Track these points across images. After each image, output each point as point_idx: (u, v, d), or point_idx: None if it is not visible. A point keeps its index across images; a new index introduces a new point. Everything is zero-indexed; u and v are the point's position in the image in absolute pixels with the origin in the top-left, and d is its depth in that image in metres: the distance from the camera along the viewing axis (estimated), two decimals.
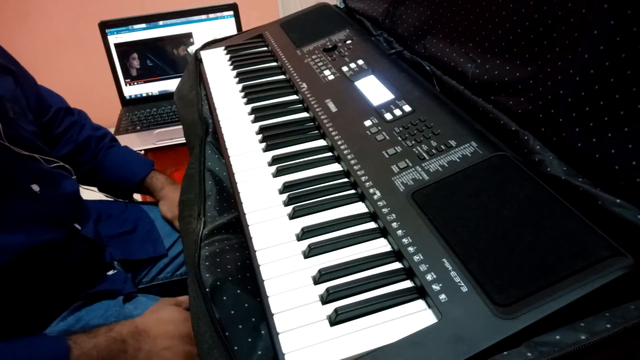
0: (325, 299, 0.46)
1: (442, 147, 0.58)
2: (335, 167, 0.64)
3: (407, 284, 0.47)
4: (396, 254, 0.50)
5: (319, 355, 0.42)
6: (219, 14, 1.44)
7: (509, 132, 0.58)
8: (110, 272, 0.84)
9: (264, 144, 0.70)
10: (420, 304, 0.45)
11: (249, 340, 0.48)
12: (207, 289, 0.52)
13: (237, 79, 0.88)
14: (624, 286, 0.41)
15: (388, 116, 0.66)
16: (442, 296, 0.43)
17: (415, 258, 0.47)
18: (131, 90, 1.47)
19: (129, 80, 1.45)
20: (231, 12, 1.45)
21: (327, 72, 0.80)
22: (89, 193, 1.00)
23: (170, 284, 0.95)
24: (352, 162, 0.61)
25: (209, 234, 0.60)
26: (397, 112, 0.66)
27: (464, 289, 0.43)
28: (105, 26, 1.39)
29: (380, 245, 0.52)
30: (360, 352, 0.41)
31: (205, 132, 0.76)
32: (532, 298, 0.41)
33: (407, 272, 0.48)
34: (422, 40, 0.79)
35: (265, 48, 0.98)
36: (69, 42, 2.14)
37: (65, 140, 0.95)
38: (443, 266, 0.45)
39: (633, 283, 0.41)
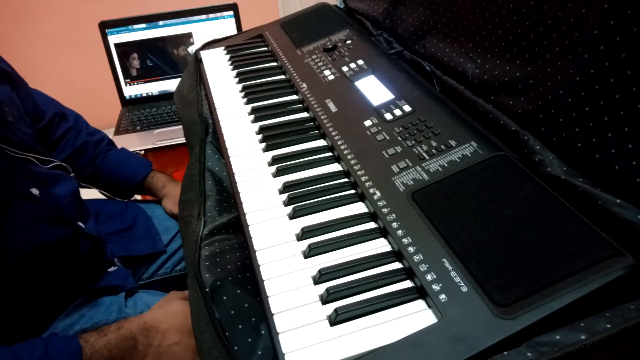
0: (325, 299, 0.46)
1: (442, 147, 0.58)
2: (335, 167, 0.64)
3: (407, 284, 0.47)
4: (396, 254, 0.50)
5: (319, 355, 0.42)
6: (219, 14, 1.44)
7: (509, 132, 0.58)
8: (112, 269, 0.84)
9: (264, 144, 0.70)
10: (420, 304, 0.45)
11: (249, 340, 0.48)
12: (207, 289, 0.52)
13: (237, 79, 0.88)
14: (624, 286, 0.41)
15: (388, 116, 0.66)
16: (442, 296, 0.43)
17: (415, 258, 0.47)
18: (131, 90, 1.47)
19: (129, 80, 1.45)
20: (231, 12, 1.45)
21: (327, 72, 0.80)
22: (87, 192, 1.00)
23: (169, 279, 0.96)
24: (352, 162, 0.61)
25: (209, 234, 0.60)
26: (397, 112, 0.66)
27: (464, 289, 0.43)
28: (105, 26, 1.39)
29: (380, 245, 0.52)
30: (360, 352, 0.41)
31: (205, 132, 0.76)
32: (532, 298, 0.41)
33: (407, 272, 0.48)
34: (422, 40, 0.79)
35: (265, 48, 0.98)
36: (69, 42, 2.14)
37: (62, 145, 0.95)
38: (443, 266, 0.45)
39: (633, 283, 0.41)
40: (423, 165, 0.57)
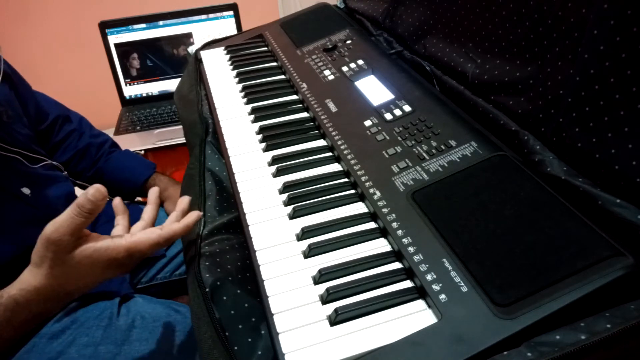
0: (325, 299, 0.46)
1: (442, 147, 0.58)
2: (335, 167, 0.64)
3: (407, 284, 0.47)
4: (396, 254, 0.50)
5: (319, 355, 0.42)
6: (219, 14, 1.45)
7: (509, 132, 0.58)
8: None
9: (264, 144, 0.70)
10: (420, 304, 0.45)
11: (249, 340, 0.48)
12: (207, 289, 0.52)
13: (237, 79, 0.88)
14: (624, 286, 0.41)
15: (388, 116, 0.66)
16: (442, 296, 0.43)
17: (415, 258, 0.47)
18: (131, 90, 1.47)
19: (129, 80, 1.46)
20: (231, 12, 1.45)
21: (327, 72, 0.80)
22: None
23: (169, 283, 0.95)
24: (352, 162, 0.61)
25: (209, 234, 0.60)
26: (397, 112, 0.66)
27: (464, 289, 0.43)
28: (105, 26, 1.39)
29: (380, 245, 0.52)
30: (360, 352, 0.41)
31: (205, 132, 0.76)
32: (532, 298, 0.41)
33: (407, 272, 0.48)
34: (422, 40, 0.79)
35: (265, 48, 0.98)
36: (69, 42, 2.13)
37: (64, 147, 0.95)
38: (443, 266, 0.45)
39: (633, 283, 0.41)
40: (423, 165, 0.57)
